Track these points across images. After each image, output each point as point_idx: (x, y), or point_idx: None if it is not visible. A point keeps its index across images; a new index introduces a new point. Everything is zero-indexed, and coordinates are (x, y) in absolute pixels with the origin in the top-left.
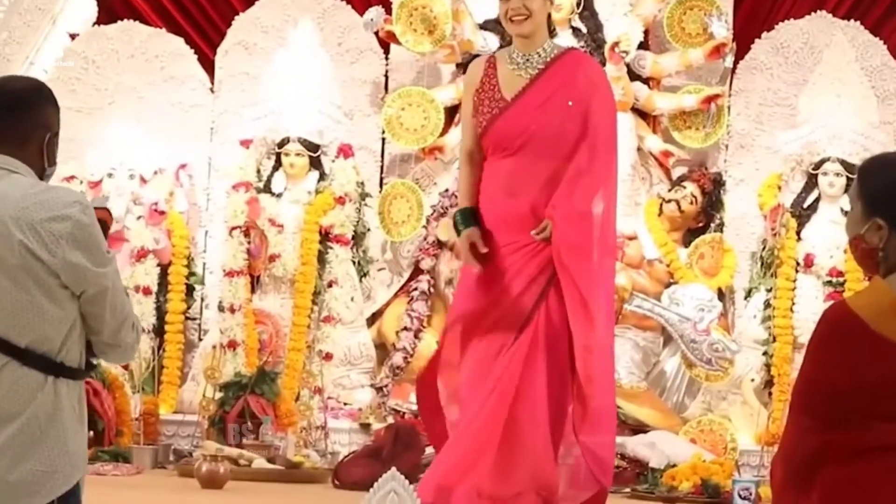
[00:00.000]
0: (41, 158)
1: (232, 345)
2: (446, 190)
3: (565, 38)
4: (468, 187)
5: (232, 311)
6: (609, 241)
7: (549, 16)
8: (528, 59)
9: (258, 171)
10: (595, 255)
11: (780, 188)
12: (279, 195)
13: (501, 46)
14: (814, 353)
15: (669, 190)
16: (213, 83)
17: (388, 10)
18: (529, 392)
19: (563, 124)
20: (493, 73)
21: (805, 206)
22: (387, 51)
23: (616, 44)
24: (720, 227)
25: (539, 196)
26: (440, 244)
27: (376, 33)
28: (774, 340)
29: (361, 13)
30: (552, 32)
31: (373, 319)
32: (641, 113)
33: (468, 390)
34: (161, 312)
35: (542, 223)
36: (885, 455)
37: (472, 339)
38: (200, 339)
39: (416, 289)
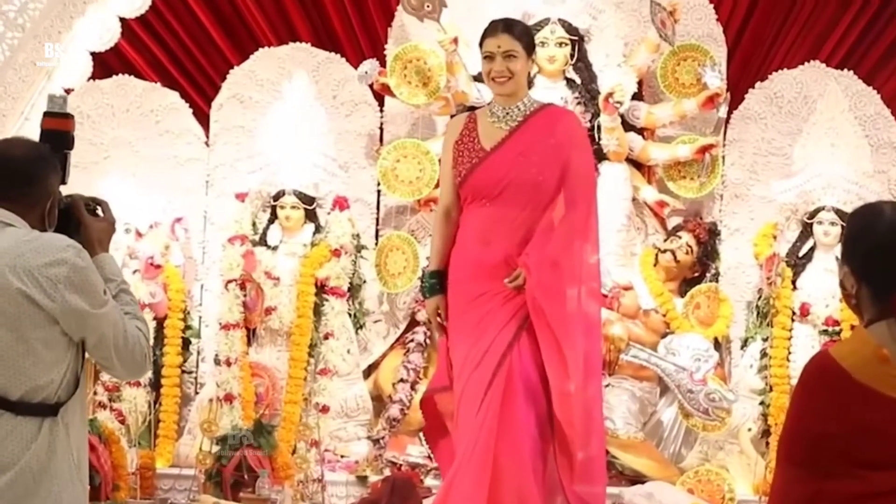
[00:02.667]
0: (42, 222)
1: (228, 398)
2: None
3: (559, 90)
4: (441, 246)
5: (228, 364)
6: (593, 288)
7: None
8: (507, 112)
9: (254, 224)
10: (572, 301)
11: (775, 237)
12: (275, 248)
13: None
14: (797, 403)
15: (665, 240)
16: (208, 137)
17: (383, 63)
18: (510, 438)
19: (540, 174)
20: (473, 127)
21: (800, 255)
22: (381, 103)
23: (610, 94)
24: (716, 277)
25: (512, 245)
26: None
27: (371, 86)
28: (771, 390)
29: (356, 66)
30: (530, 85)
31: (369, 371)
32: (636, 163)
33: (458, 437)
34: (157, 366)
35: (514, 272)
36: (875, 502)
37: (459, 387)
38: (197, 393)
39: (412, 340)
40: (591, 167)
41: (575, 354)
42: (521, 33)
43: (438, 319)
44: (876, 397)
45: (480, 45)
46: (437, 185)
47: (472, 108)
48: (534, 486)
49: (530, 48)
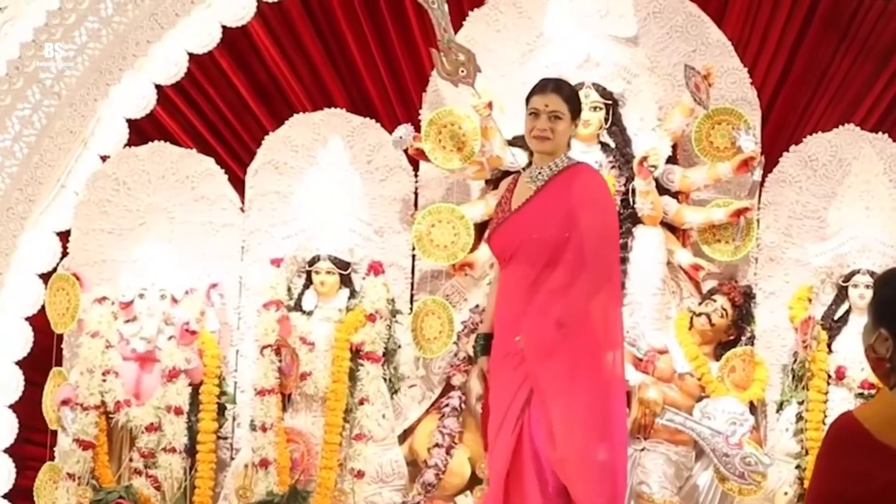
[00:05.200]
0: None
1: (264, 463)
2: (476, 306)
3: (594, 154)
4: (490, 307)
5: (264, 429)
6: (616, 348)
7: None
8: (540, 173)
9: (289, 290)
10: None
11: (810, 300)
12: (310, 313)
13: (530, 163)
14: (821, 464)
15: (700, 303)
16: (243, 202)
17: (417, 128)
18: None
19: (551, 233)
20: (512, 188)
21: (836, 318)
22: (416, 168)
23: (644, 158)
24: (751, 340)
25: (521, 305)
26: (470, 360)
27: (405, 151)
28: (807, 453)
29: (390, 131)
30: (568, 146)
31: (404, 436)
32: (671, 227)
33: None
34: (193, 432)
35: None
36: None
37: (489, 450)
38: (232, 458)
39: (447, 405)
40: (606, 225)
41: (565, 416)
42: (570, 95)
43: (485, 380)
44: None
45: (527, 101)
46: (472, 250)
47: (507, 173)
48: None
49: (576, 112)
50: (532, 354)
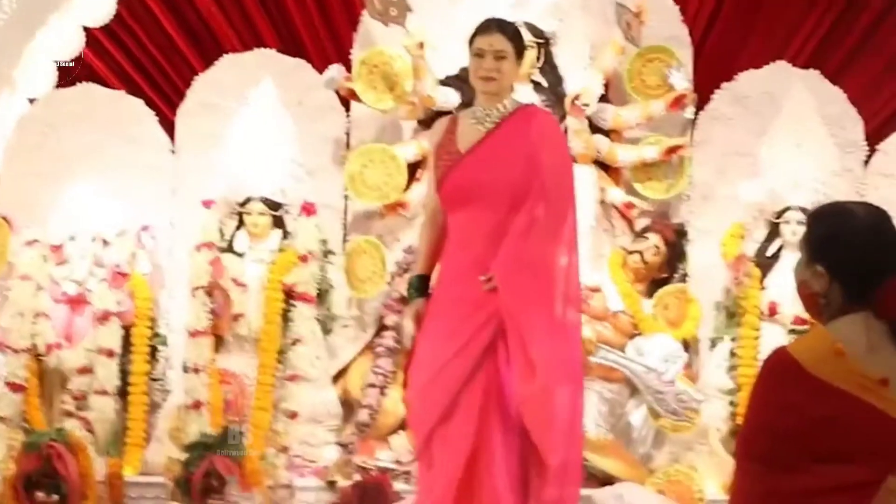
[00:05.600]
0: None
1: (196, 405)
2: (410, 246)
3: (526, 93)
4: (425, 250)
5: (196, 371)
6: (572, 293)
7: None
8: (487, 114)
9: (221, 231)
10: (546, 306)
11: (743, 238)
12: (242, 255)
13: (462, 102)
14: (756, 399)
15: (633, 241)
16: (173, 144)
17: (349, 68)
18: (486, 450)
19: (511, 177)
20: (453, 129)
21: (768, 254)
22: (348, 108)
23: (577, 97)
24: (684, 278)
25: (485, 248)
26: (404, 300)
27: (337, 91)
28: (740, 390)
29: (321, 71)
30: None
31: (338, 377)
32: (603, 165)
33: (427, 448)
34: (125, 374)
35: (487, 275)
36: (826, 497)
37: (419, 383)
38: (165, 400)
39: (380, 345)
40: (566, 167)
41: (543, 357)
42: (514, 35)
43: (419, 322)
44: (830, 391)
45: (470, 42)
46: (404, 190)
47: (440, 113)
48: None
49: (521, 51)
50: (507, 296)
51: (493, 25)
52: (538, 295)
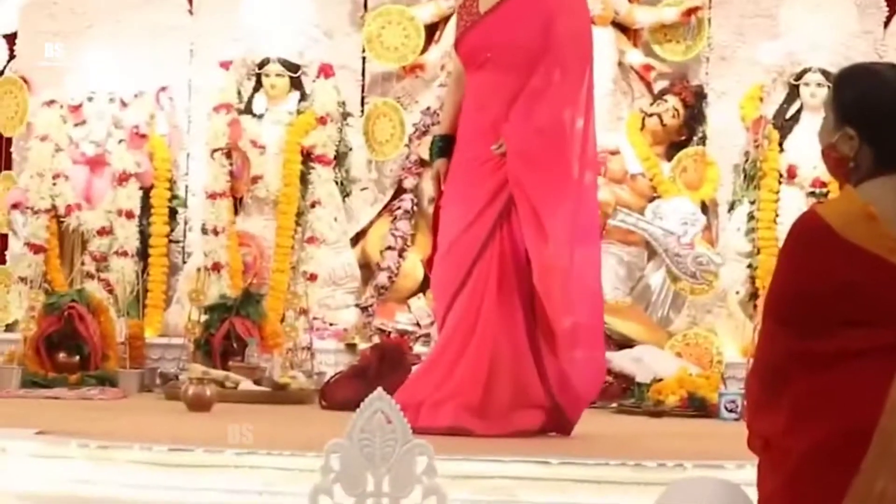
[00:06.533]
0: None
1: (216, 267)
2: (428, 108)
3: None
4: (449, 110)
5: (215, 233)
6: (589, 156)
7: None
8: None
9: (239, 93)
10: (558, 169)
11: (761, 100)
12: (260, 116)
13: None
14: (783, 261)
15: (651, 104)
16: (191, 4)
17: None
18: (507, 322)
19: (528, 38)
20: None
21: (787, 117)
22: None
23: None
24: (703, 141)
25: (500, 111)
26: (423, 163)
27: None
28: (759, 252)
29: None
30: None
31: (356, 239)
32: (622, 27)
33: (441, 308)
34: (144, 236)
35: (499, 141)
36: (853, 360)
37: (442, 249)
38: (184, 262)
39: (399, 208)
40: (583, 31)
41: (555, 222)
42: None
43: (440, 183)
44: (861, 255)
45: None
46: (422, 52)
47: None
48: (532, 368)
49: None
50: (516, 161)
51: None
52: (551, 159)
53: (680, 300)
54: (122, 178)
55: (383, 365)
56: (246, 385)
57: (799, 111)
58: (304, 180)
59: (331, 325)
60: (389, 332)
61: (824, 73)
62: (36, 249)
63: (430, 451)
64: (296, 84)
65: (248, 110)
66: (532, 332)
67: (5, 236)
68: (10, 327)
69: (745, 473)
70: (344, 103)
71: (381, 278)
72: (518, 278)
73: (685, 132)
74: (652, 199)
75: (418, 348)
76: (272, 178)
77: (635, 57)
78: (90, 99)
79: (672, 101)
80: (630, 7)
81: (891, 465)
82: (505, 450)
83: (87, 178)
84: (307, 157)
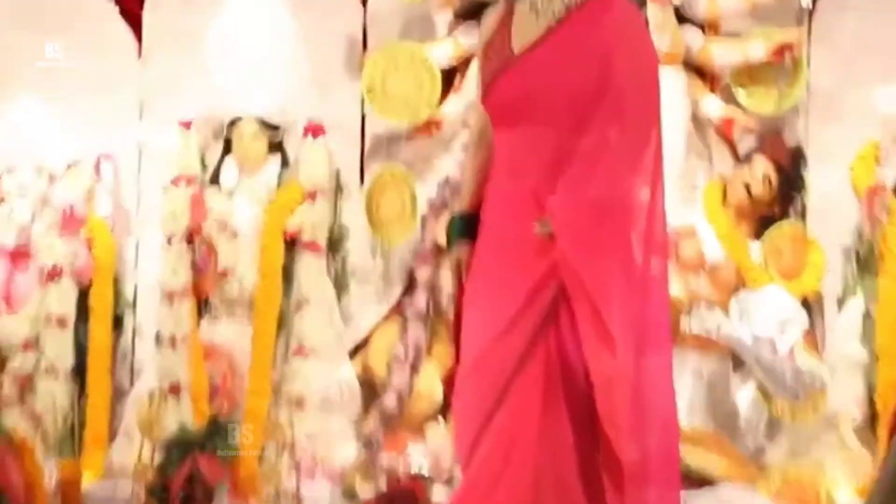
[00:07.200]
0: None
1: (174, 389)
2: (447, 178)
3: None
4: (471, 180)
5: (173, 344)
6: (656, 238)
7: None
8: (550, 5)
9: (202, 161)
10: (636, 256)
11: (878, 161)
12: (230, 191)
13: None
14: None
15: (735, 169)
16: (140, 47)
17: None
18: (552, 445)
19: (578, 85)
20: (507, 21)
21: None
22: None
23: None
24: (802, 215)
25: (543, 179)
26: (440, 249)
27: None
28: (878, 361)
29: None
30: None
31: (356, 350)
32: (696, 68)
33: (462, 425)
34: (81, 349)
35: (543, 218)
36: None
37: (468, 376)
38: (132, 384)
39: (410, 307)
40: (650, 74)
41: (623, 328)
42: None
43: (461, 275)
44: None
45: None
46: (439, 103)
47: (481, 4)
48: (583, 499)
49: None
50: (568, 245)
51: None
52: (610, 242)
53: (776, 426)
54: (52, 275)
55: None
56: None
57: None
58: (287, 274)
59: (323, 463)
60: (399, 478)
61: None
62: None
63: None
64: (276, 148)
65: (214, 182)
66: (589, 464)
67: None
68: None
69: None
70: (338, 172)
71: (389, 400)
72: (570, 398)
73: (779, 205)
74: (737, 292)
75: (438, 492)
76: (246, 272)
77: (714, 107)
78: (10, 171)
79: (762, 165)
80: (706, 42)
81: None
82: None
83: (7, 273)
84: (292, 243)
